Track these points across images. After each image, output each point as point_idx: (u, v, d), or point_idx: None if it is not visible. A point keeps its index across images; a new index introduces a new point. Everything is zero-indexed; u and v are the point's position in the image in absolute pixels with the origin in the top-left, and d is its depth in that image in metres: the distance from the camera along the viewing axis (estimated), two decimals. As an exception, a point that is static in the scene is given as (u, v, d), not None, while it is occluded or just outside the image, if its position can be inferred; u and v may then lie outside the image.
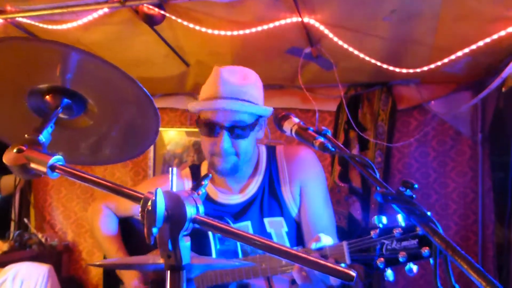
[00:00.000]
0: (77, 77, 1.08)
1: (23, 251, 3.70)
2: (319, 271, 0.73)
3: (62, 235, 4.12)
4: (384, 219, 1.42)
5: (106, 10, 2.36)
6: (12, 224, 4.07)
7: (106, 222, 2.15)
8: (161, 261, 0.84)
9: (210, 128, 1.80)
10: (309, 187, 1.94)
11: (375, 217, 1.42)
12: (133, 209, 2.12)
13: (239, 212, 1.95)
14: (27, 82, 1.09)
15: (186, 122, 3.93)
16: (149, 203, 0.78)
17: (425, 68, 2.56)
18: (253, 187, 1.96)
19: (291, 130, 1.41)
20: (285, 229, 1.92)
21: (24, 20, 2.43)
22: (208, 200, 2.01)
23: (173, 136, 3.98)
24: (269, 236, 1.90)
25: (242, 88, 1.78)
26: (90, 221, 2.20)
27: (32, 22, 2.44)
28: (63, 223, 4.13)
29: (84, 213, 4.02)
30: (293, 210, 1.94)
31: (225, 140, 1.78)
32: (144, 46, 2.81)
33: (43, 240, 3.81)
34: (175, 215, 0.80)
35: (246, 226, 1.91)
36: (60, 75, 1.08)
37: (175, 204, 0.81)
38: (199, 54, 2.92)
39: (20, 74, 1.10)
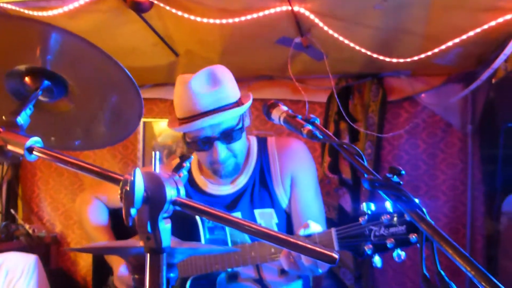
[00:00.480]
0: (57, 58, 1.06)
1: (10, 242, 3.66)
2: (302, 253, 0.71)
3: (50, 226, 4.08)
4: (373, 206, 1.42)
5: (93, -4, 2.32)
6: (-1, 215, 4.04)
7: (95, 212, 2.12)
8: (141, 244, 0.82)
9: (202, 144, 1.79)
10: (300, 178, 1.94)
11: (364, 203, 1.42)
12: None
13: (230, 203, 1.95)
14: (5, 63, 1.06)
15: (175, 113, 3.88)
16: (128, 184, 0.76)
17: (416, 58, 2.55)
18: (243, 178, 1.95)
19: (279, 118, 1.40)
20: (275, 220, 1.92)
21: (8, 6, 2.37)
22: (198, 190, 2.00)
23: (165, 128, 3.93)
24: None
25: (218, 95, 1.73)
26: (78, 211, 2.17)
27: (16, 8, 2.39)
28: (51, 214, 4.10)
29: (72, 205, 3.98)
30: (284, 202, 1.93)
31: (220, 149, 1.77)
32: (132, 35, 2.76)
33: (30, 231, 3.77)
34: (155, 196, 0.78)
35: None
36: (40, 56, 1.05)
37: (155, 185, 0.79)
38: (188, 43, 2.88)
39: (-1, 54, 1.07)
